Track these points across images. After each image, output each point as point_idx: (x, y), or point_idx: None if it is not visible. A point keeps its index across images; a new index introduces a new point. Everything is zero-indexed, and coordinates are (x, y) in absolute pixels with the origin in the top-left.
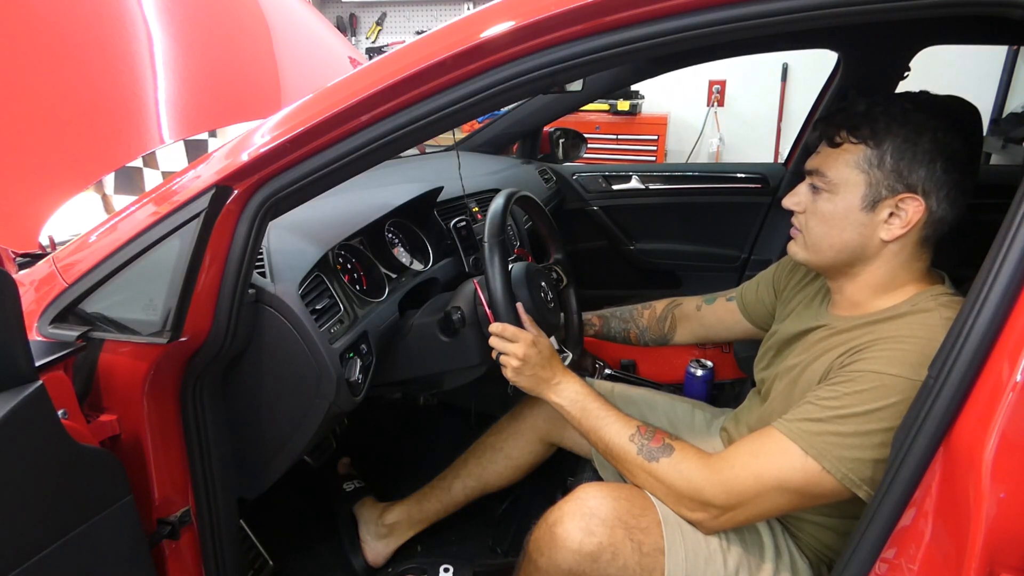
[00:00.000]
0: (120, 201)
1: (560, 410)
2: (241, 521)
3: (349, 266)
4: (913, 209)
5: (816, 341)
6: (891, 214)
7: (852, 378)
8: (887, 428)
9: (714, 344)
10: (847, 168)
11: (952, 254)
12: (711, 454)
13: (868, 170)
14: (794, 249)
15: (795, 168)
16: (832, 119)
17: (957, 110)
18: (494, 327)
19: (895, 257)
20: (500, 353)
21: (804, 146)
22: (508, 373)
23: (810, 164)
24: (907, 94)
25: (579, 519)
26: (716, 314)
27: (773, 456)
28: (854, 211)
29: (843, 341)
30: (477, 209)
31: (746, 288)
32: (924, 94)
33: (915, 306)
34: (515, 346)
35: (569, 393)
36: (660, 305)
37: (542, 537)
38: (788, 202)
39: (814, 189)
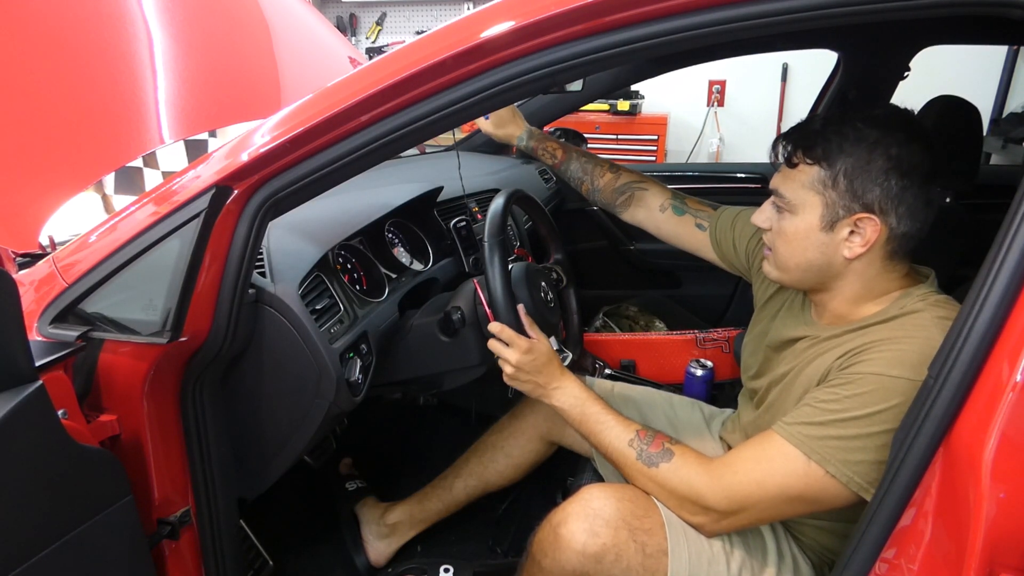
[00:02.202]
0: (120, 201)
1: (560, 413)
2: (241, 521)
3: (349, 266)
4: (871, 229)
5: (805, 348)
6: (851, 232)
7: (852, 380)
8: (890, 430)
9: (714, 341)
10: (803, 190)
11: (952, 254)
12: (712, 458)
13: (823, 191)
14: (767, 268)
15: None
16: (788, 137)
17: (912, 121)
18: (492, 328)
19: (864, 272)
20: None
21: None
22: (505, 378)
23: (772, 183)
24: (863, 111)
25: (583, 520)
26: (677, 229)
27: (775, 461)
28: (814, 231)
29: (837, 344)
30: (477, 209)
31: (721, 233)
32: (882, 108)
33: (903, 309)
34: (509, 352)
35: (567, 398)
36: (625, 177)
37: (546, 538)
38: (756, 219)
39: (777, 208)
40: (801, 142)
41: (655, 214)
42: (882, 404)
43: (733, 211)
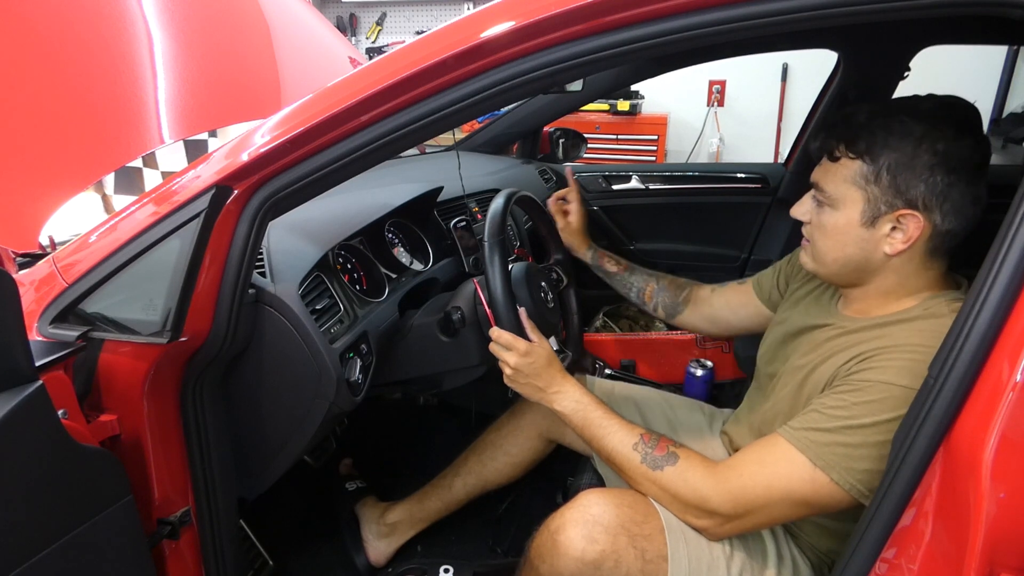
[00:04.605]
0: (120, 201)
1: (562, 418)
2: (241, 521)
3: (349, 266)
4: (914, 225)
5: (824, 340)
6: (893, 228)
7: (860, 387)
8: None
9: (714, 340)
10: (845, 184)
11: (952, 254)
12: (717, 462)
13: (865, 186)
14: (804, 259)
15: (795, 168)
16: (832, 130)
17: (961, 114)
18: (491, 332)
19: (902, 268)
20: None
21: (804, 148)
22: (505, 380)
23: (813, 176)
24: (909, 102)
25: (582, 526)
26: (725, 296)
27: (781, 466)
28: (854, 226)
29: (851, 343)
30: (477, 209)
31: (763, 274)
32: (928, 100)
33: (927, 310)
34: (508, 355)
35: (568, 402)
36: (682, 279)
37: (544, 544)
38: (796, 212)
39: (817, 202)
40: (844, 135)
41: (707, 299)
42: (889, 413)
43: (769, 268)
